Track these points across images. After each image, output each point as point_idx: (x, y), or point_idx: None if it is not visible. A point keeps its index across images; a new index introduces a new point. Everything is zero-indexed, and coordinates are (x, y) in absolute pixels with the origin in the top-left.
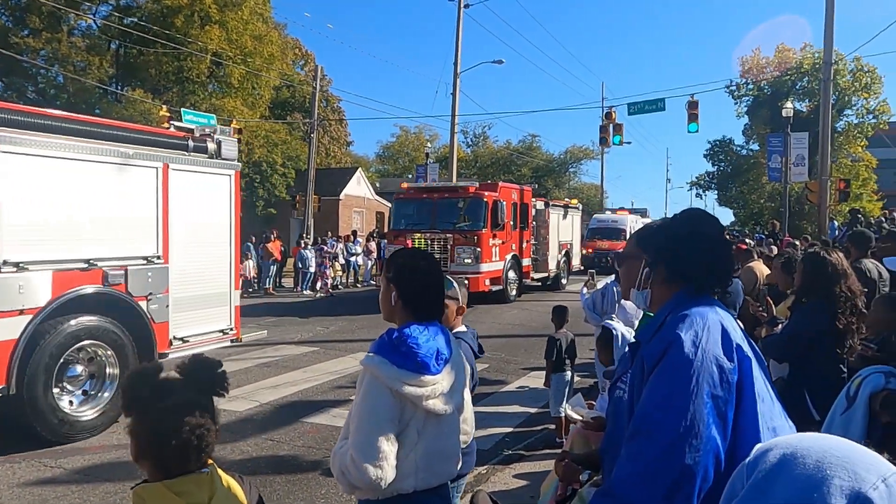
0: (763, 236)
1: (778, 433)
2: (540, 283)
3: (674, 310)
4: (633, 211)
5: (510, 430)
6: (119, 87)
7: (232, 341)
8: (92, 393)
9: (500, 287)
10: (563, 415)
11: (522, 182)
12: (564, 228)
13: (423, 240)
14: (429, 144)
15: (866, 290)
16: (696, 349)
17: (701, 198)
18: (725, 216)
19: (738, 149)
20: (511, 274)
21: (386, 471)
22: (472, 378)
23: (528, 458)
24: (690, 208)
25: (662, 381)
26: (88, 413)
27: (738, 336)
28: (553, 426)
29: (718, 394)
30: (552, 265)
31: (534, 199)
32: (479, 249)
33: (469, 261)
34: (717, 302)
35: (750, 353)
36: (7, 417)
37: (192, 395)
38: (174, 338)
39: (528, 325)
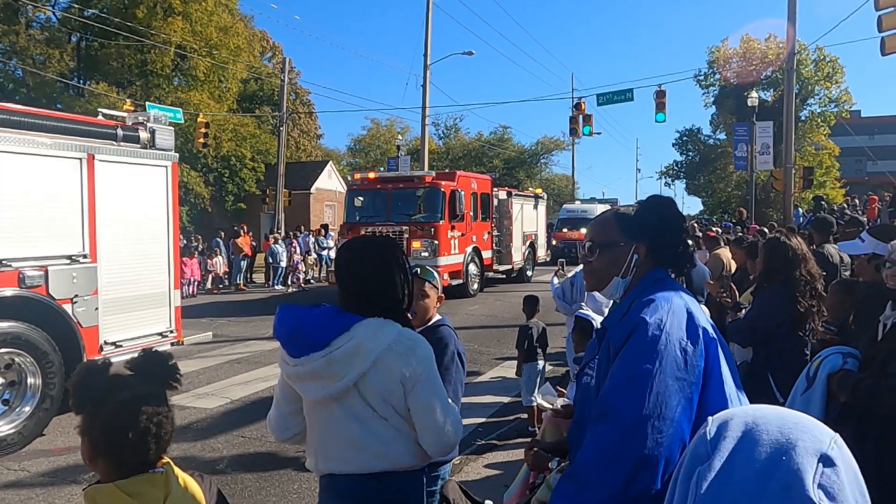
0: (731, 224)
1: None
2: (504, 276)
3: (639, 295)
4: (599, 201)
5: (483, 420)
6: (81, 81)
7: (172, 345)
8: (11, 405)
9: (461, 281)
10: (534, 404)
11: (495, 174)
12: (529, 219)
13: (375, 233)
14: (400, 137)
15: (825, 273)
16: (660, 332)
17: (670, 187)
18: (694, 205)
19: (706, 138)
20: (472, 267)
21: (271, 428)
22: (456, 369)
23: (501, 447)
24: (657, 195)
25: (626, 364)
26: (4, 428)
27: (703, 320)
28: (525, 415)
29: (683, 376)
30: (516, 257)
31: (496, 189)
32: (436, 242)
33: (426, 254)
34: (682, 287)
35: (714, 337)
36: None
37: (146, 387)
38: (105, 343)
39: (499, 316)
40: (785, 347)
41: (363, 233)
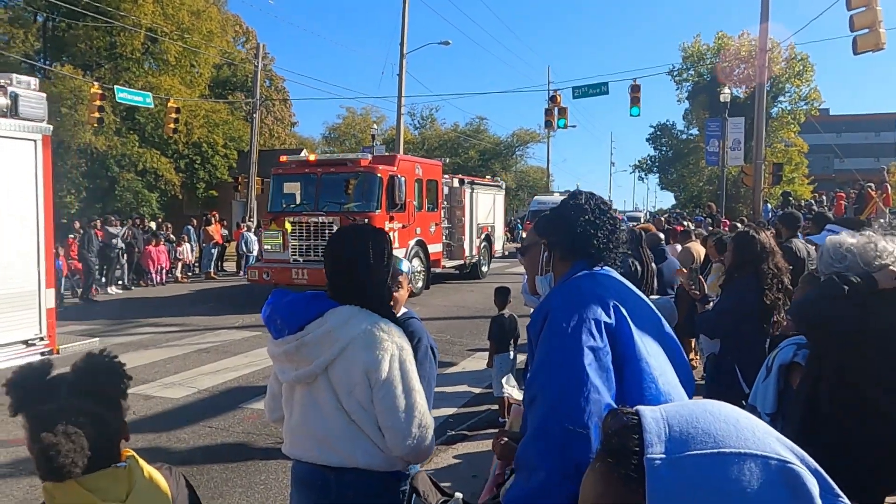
0: (702, 218)
1: (664, 388)
2: (457, 272)
3: (559, 284)
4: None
5: (454, 410)
6: (47, 63)
7: (43, 353)
8: None
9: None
10: (505, 395)
11: (470, 165)
12: (485, 209)
13: (299, 224)
14: (375, 126)
15: (792, 267)
16: (570, 310)
17: (643, 181)
18: (667, 199)
19: (679, 133)
20: (415, 263)
21: (267, 413)
22: (430, 364)
23: (472, 438)
24: (574, 190)
25: (543, 346)
26: None
27: (618, 296)
28: (497, 406)
29: (597, 345)
30: (469, 251)
31: (446, 176)
32: None
33: None
34: (604, 269)
35: (627, 315)
36: None
37: (74, 401)
38: None
39: (471, 307)
40: (751, 339)
41: (287, 223)
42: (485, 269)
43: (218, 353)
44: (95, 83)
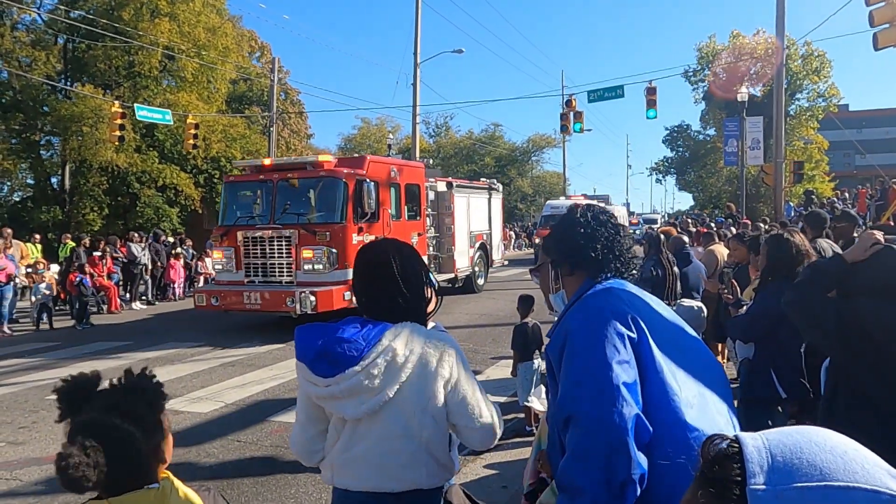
0: (723, 219)
1: (686, 398)
2: (449, 285)
3: (572, 301)
4: (590, 197)
5: None
6: (68, 83)
7: None
8: None
9: None
10: (529, 405)
11: (486, 172)
12: (479, 215)
13: (252, 240)
14: (391, 136)
15: None
16: (591, 327)
17: (661, 183)
18: (685, 200)
19: (696, 134)
20: None
21: (298, 452)
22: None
23: (499, 447)
24: (571, 205)
25: (570, 366)
26: None
27: (635, 308)
28: (523, 415)
29: (623, 359)
30: (461, 262)
31: (432, 180)
32: (334, 251)
33: (320, 267)
34: (618, 282)
35: (645, 327)
36: None
37: (99, 415)
38: None
39: (494, 315)
40: (787, 344)
41: (240, 238)
42: (481, 281)
43: (243, 367)
44: (116, 102)
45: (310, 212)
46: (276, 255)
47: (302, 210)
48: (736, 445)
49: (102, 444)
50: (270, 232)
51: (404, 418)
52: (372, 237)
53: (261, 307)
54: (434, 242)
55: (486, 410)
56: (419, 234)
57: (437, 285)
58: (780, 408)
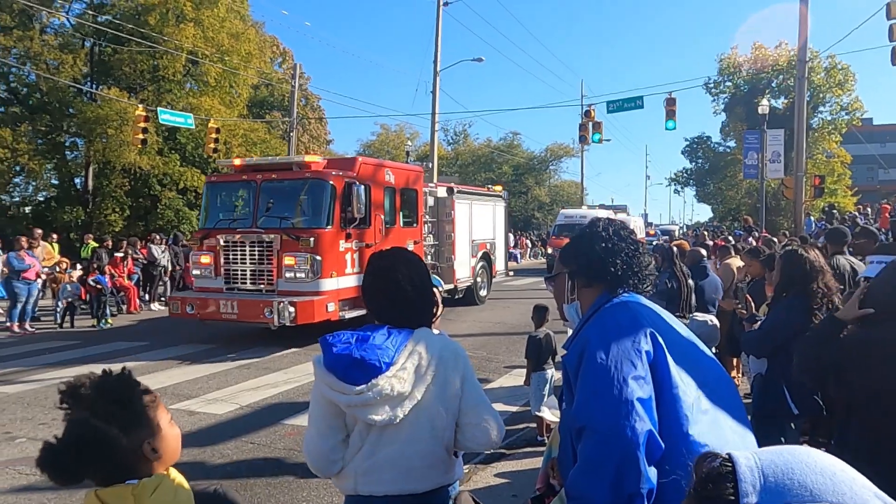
0: (741, 232)
1: (698, 416)
2: (448, 296)
3: (586, 319)
4: (607, 207)
5: None
6: (94, 86)
7: None
8: None
9: (363, 311)
10: (541, 415)
11: (504, 180)
12: (482, 223)
13: (232, 244)
14: (409, 143)
15: (842, 287)
16: (609, 341)
17: (679, 194)
18: (704, 212)
19: (716, 146)
20: None
21: (318, 464)
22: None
23: (510, 456)
24: (593, 217)
25: (587, 379)
26: None
27: (652, 323)
28: (535, 424)
29: (639, 374)
30: (462, 272)
31: (431, 185)
32: (317, 258)
33: (303, 275)
34: (634, 296)
35: (662, 342)
36: None
37: (77, 416)
38: None
39: (508, 323)
40: None
41: (220, 242)
42: (483, 292)
43: (258, 370)
44: (140, 105)
45: (294, 216)
46: (258, 261)
47: (286, 213)
48: (729, 464)
49: (80, 442)
50: (251, 236)
51: (430, 419)
52: (362, 245)
53: (237, 317)
54: (432, 251)
55: (491, 409)
56: (415, 242)
57: (442, 287)
58: (792, 424)
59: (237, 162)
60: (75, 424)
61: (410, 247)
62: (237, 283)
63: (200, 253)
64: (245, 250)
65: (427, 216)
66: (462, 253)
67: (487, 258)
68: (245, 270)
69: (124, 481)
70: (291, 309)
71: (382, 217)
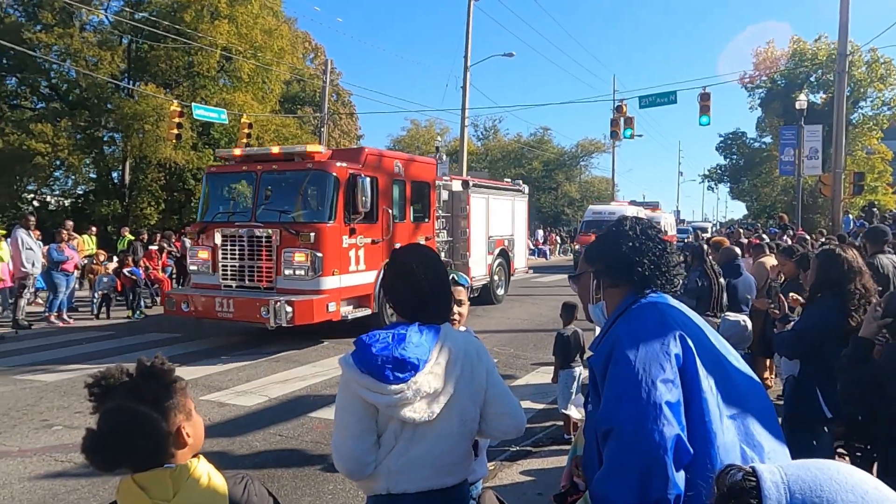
0: (777, 230)
1: (726, 421)
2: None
3: (614, 319)
4: (639, 204)
5: None
6: (131, 82)
7: None
8: None
9: (368, 311)
10: (567, 413)
11: (534, 176)
12: (501, 219)
13: (230, 238)
14: (439, 138)
15: (881, 288)
16: (638, 342)
17: (713, 191)
18: (738, 210)
19: (751, 142)
20: None
21: (352, 468)
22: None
23: (536, 454)
24: (620, 216)
25: (614, 381)
26: None
27: (682, 325)
28: (561, 422)
29: (668, 377)
30: (478, 271)
31: (446, 178)
32: (319, 254)
33: (302, 273)
34: (662, 296)
35: (692, 345)
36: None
37: (118, 402)
38: None
39: (536, 321)
40: (834, 362)
41: (218, 237)
42: (500, 291)
43: (287, 363)
44: (175, 101)
45: (295, 209)
46: (256, 257)
47: (286, 207)
48: (753, 479)
49: (124, 426)
50: (250, 231)
51: (460, 414)
52: (367, 241)
53: (233, 316)
54: (446, 247)
55: (514, 398)
56: (427, 238)
57: (468, 285)
58: (825, 428)
59: (237, 152)
60: (120, 410)
61: (423, 244)
62: (235, 280)
63: (198, 248)
64: (244, 245)
65: (440, 211)
66: (478, 250)
67: (505, 255)
68: (243, 267)
69: (161, 466)
70: (289, 309)
71: (390, 211)
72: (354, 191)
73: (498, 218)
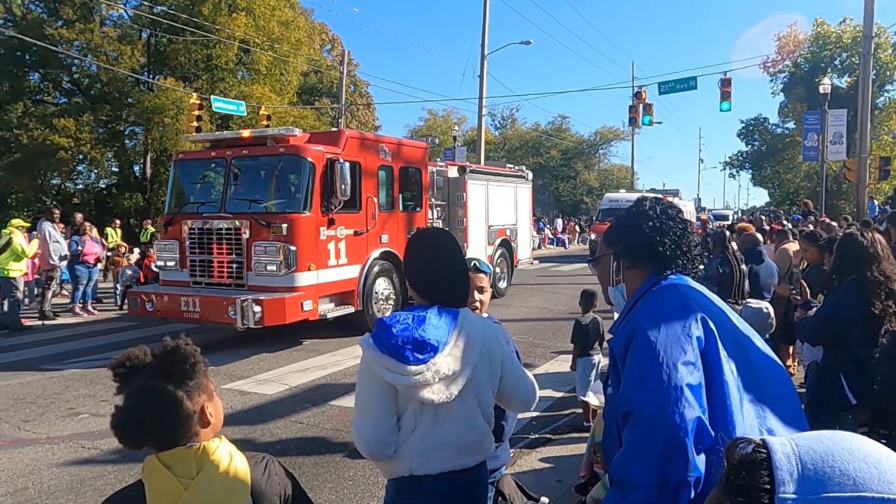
0: (799, 217)
1: (747, 405)
2: None
3: (634, 301)
4: (659, 191)
5: (537, 413)
6: (151, 76)
7: None
8: None
9: (351, 309)
10: (586, 400)
11: (552, 164)
12: (502, 207)
13: (198, 231)
14: (457, 128)
15: None
16: (659, 324)
17: (735, 178)
18: (760, 196)
19: (773, 127)
20: (380, 285)
21: (374, 448)
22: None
23: (555, 441)
24: (639, 196)
25: (635, 363)
26: None
27: (704, 308)
28: (580, 410)
29: (689, 360)
30: None
31: (441, 163)
32: (292, 248)
33: (273, 268)
34: (682, 278)
35: (714, 328)
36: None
37: (144, 381)
38: None
39: (555, 309)
40: (857, 347)
41: (185, 229)
42: (503, 284)
43: (307, 352)
44: (194, 94)
45: (267, 198)
46: (226, 251)
47: (258, 196)
48: (763, 451)
49: (151, 404)
50: (218, 222)
51: (478, 395)
52: (349, 232)
53: (199, 316)
54: None
55: (528, 375)
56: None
57: (490, 272)
58: (849, 415)
59: (203, 136)
60: (147, 389)
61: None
62: (203, 276)
63: (164, 242)
64: (211, 238)
65: (434, 199)
66: (476, 240)
67: (507, 246)
68: (212, 262)
69: (185, 445)
70: (257, 308)
71: (376, 200)
72: (332, 178)
73: (499, 206)
